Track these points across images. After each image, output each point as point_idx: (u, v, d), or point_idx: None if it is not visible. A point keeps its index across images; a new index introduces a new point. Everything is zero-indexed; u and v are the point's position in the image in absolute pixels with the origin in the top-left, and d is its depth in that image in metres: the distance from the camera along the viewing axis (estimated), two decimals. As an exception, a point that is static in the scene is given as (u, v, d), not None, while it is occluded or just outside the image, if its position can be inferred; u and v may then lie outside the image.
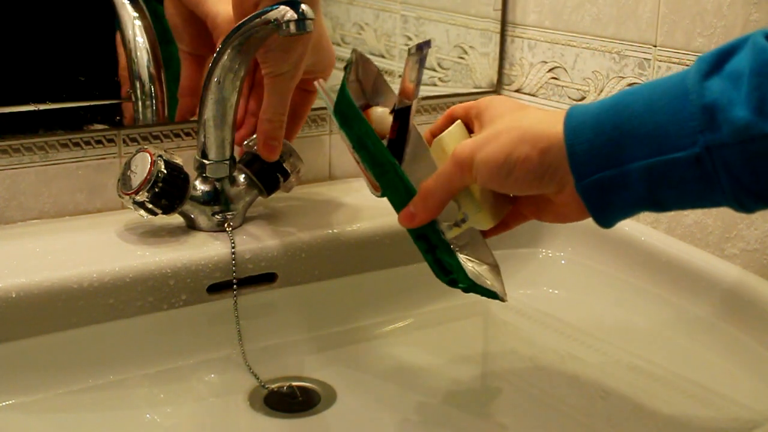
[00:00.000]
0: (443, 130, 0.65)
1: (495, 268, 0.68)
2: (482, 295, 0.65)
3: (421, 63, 0.65)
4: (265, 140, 0.77)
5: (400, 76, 1.07)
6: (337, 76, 0.74)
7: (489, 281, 0.66)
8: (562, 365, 0.73)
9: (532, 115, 0.59)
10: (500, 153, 0.57)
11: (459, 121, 0.65)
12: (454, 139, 0.63)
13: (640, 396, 0.69)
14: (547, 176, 0.56)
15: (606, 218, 0.57)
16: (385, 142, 0.64)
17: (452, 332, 0.78)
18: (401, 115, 0.65)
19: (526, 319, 0.81)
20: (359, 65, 0.68)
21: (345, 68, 0.66)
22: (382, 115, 0.66)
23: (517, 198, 0.64)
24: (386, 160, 0.63)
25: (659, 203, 0.54)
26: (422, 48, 0.64)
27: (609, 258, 0.85)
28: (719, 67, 0.51)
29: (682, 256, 0.80)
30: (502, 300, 0.66)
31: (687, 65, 0.83)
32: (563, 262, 0.89)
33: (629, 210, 0.56)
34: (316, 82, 0.69)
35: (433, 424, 0.66)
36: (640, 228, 0.85)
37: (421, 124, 0.70)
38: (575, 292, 0.85)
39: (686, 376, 0.71)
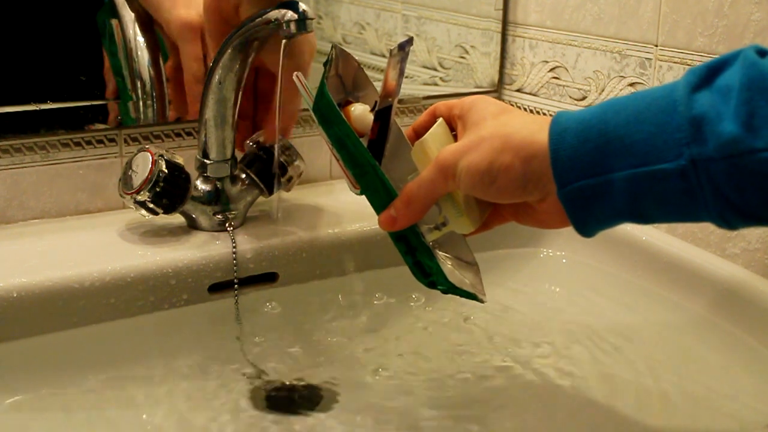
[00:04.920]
0: (425, 128, 0.65)
1: (474, 267, 0.68)
2: (461, 296, 0.64)
3: (403, 61, 0.64)
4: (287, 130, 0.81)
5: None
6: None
7: (468, 280, 0.66)
8: (563, 363, 0.73)
9: (515, 121, 0.58)
10: (483, 161, 0.56)
11: (441, 119, 0.64)
12: (436, 141, 0.62)
13: (641, 395, 0.69)
14: (530, 185, 0.56)
15: (586, 227, 0.56)
16: (365, 142, 0.63)
17: (453, 331, 0.78)
18: (382, 115, 0.64)
19: (527, 317, 0.81)
20: (339, 60, 0.67)
21: (324, 65, 0.66)
22: (362, 112, 0.65)
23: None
24: (366, 161, 0.62)
25: (642, 215, 0.54)
26: (404, 47, 0.64)
27: (610, 257, 0.85)
28: (709, 80, 0.50)
29: (684, 255, 0.80)
30: (481, 301, 0.65)
31: (688, 65, 0.83)
32: (564, 261, 0.89)
33: (610, 220, 0.55)
34: (294, 77, 0.68)
35: (434, 422, 0.66)
36: (641, 227, 0.85)
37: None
38: (576, 291, 0.85)
39: (687, 375, 0.71)
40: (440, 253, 0.67)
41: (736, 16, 0.79)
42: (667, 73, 0.85)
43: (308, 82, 0.67)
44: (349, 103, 0.67)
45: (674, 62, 0.85)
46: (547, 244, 0.90)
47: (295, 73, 0.68)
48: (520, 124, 0.57)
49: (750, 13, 0.77)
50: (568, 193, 0.54)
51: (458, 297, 0.65)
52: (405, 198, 0.61)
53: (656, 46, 0.86)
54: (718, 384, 0.70)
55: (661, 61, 0.86)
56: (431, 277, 0.64)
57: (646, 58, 0.87)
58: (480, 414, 0.68)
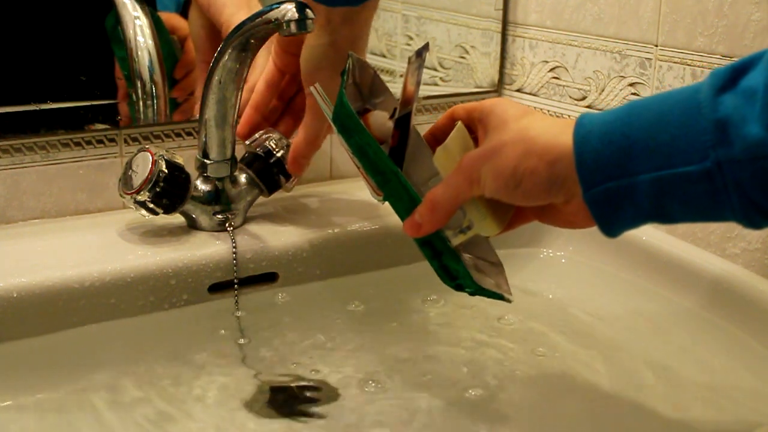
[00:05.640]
0: (443, 131, 0.65)
1: (499, 267, 0.68)
2: (488, 297, 0.65)
3: (420, 68, 0.64)
4: (296, 158, 0.80)
5: (401, 75, 1.07)
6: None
7: (493, 281, 0.66)
8: (563, 364, 0.73)
9: (537, 124, 0.58)
10: (507, 166, 0.57)
11: (460, 123, 0.64)
12: (457, 145, 0.62)
13: (641, 394, 0.69)
14: (555, 187, 0.56)
15: (612, 229, 0.56)
16: (385, 149, 0.64)
17: (453, 332, 0.78)
18: (402, 122, 0.64)
19: (527, 318, 0.81)
20: (356, 68, 0.67)
21: (342, 74, 0.66)
22: (381, 120, 0.66)
23: None
24: (388, 168, 0.63)
25: (666, 216, 0.54)
26: (421, 53, 0.64)
27: (610, 257, 0.85)
28: (733, 82, 0.50)
29: (683, 255, 0.80)
30: (508, 301, 0.66)
31: (688, 65, 0.83)
32: (564, 261, 0.89)
33: (635, 221, 0.55)
34: (311, 88, 0.69)
35: (435, 423, 0.66)
36: (641, 227, 0.85)
37: (420, 124, 0.70)
38: (576, 291, 0.85)
39: (687, 375, 0.71)
40: (465, 255, 0.67)
41: (736, 16, 0.79)
42: (667, 73, 0.85)
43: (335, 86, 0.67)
44: (367, 111, 0.68)
45: (674, 62, 0.85)
46: (547, 244, 0.90)
47: (313, 85, 0.69)
48: (542, 128, 0.57)
49: (750, 13, 0.77)
50: (593, 195, 0.54)
51: (474, 297, 0.65)
52: (429, 204, 0.61)
53: (656, 46, 0.86)
54: (718, 383, 0.70)
55: (661, 61, 0.86)
56: (458, 280, 0.64)
57: (646, 58, 0.87)
58: (480, 412, 0.68)
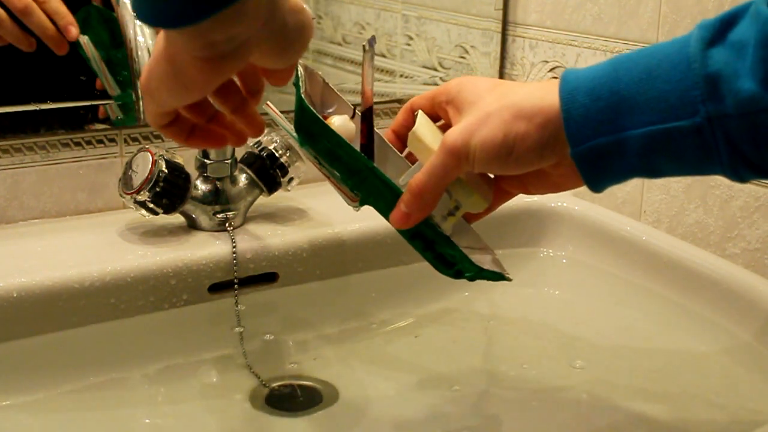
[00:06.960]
0: (405, 126, 0.64)
1: (489, 251, 0.67)
2: (489, 279, 0.63)
3: (373, 57, 0.63)
4: None
5: (401, 75, 1.07)
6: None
7: (487, 262, 0.65)
8: (563, 365, 0.73)
9: (517, 90, 0.57)
10: (497, 134, 0.56)
11: (420, 111, 0.63)
12: (427, 129, 0.61)
13: (641, 395, 0.69)
14: (547, 150, 0.55)
15: (599, 185, 0.56)
16: (356, 147, 0.63)
17: (453, 331, 0.78)
18: (367, 117, 0.64)
19: (527, 318, 0.81)
20: (306, 79, 0.66)
21: (294, 84, 0.64)
22: (344, 123, 0.64)
23: (498, 176, 0.62)
24: (363, 166, 0.61)
25: (654, 171, 0.54)
26: (372, 44, 0.63)
27: (610, 257, 0.85)
28: (722, 35, 0.50)
29: (683, 255, 0.80)
30: (509, 279, 0.64)
31: (688, 65, 0.83)
32: (564, 261, 0.89)
33: (623, 176, 0.55)
34: (265, 105, 0.66)
35: (434, 423, 0.67)
36: (641, 228, 0.85)
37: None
38: (576, 291, 0.86)
39: (686, 374, 0.72)
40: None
41: (736, 16, 0.78)
42: (667, 73, 0.85)
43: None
44: (324, 118, 0.67)
45: (674, 62, 0.85)
46: (547, 244, 0.90)
47: (266, 102, 0.67)
48: (524, 92, 0.56)
49: (750, 13, 0.77)
50: (581, 152, 0.54)
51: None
52: (416, 190, 0.59)
53: (656, 46, 0.86)
54: (718, 383, 0.70)
55: (661, 61, 0.86)
56: (456, 266, 0.63)
57: (646, 58, 0.87)
58: (480, 413, 0.68)
